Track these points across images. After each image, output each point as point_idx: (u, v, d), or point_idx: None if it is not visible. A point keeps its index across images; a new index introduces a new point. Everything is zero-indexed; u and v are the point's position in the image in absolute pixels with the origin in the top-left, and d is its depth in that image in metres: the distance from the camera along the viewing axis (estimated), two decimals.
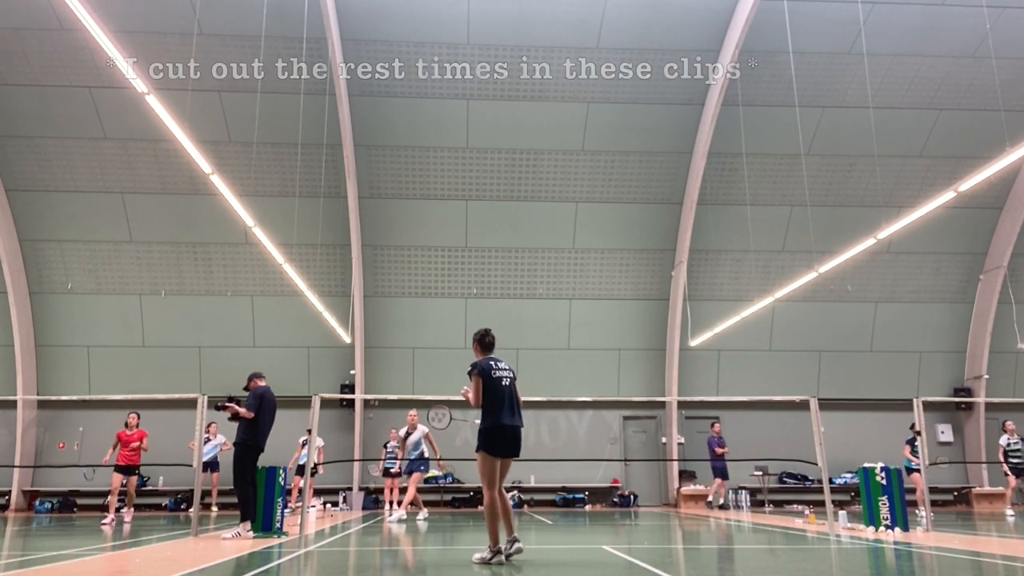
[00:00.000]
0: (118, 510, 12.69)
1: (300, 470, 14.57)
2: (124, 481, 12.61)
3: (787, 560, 6.33)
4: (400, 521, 12.09)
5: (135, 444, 12.56)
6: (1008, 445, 14.16)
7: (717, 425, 16.27)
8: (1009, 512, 13.75)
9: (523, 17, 15.13)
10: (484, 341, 6.34)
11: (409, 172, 16.89)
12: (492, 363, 6.15)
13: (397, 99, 16.10)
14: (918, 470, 13.64)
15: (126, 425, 12.74)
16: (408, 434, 13.22)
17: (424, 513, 13.33)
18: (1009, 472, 14.10)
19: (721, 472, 15.60)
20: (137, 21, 14.55)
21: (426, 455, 13.27)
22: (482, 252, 17.58)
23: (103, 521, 11.74)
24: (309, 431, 10.38)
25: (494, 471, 5.92)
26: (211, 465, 15.55)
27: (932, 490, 15.85)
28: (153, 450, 13.45)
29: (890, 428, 17.31)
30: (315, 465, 14.15)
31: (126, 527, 11.06)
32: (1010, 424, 14.75)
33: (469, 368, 6.16)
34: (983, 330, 18.26)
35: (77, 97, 15.61)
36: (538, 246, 17.58)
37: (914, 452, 13.16)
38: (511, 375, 6.19)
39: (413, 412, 13.37)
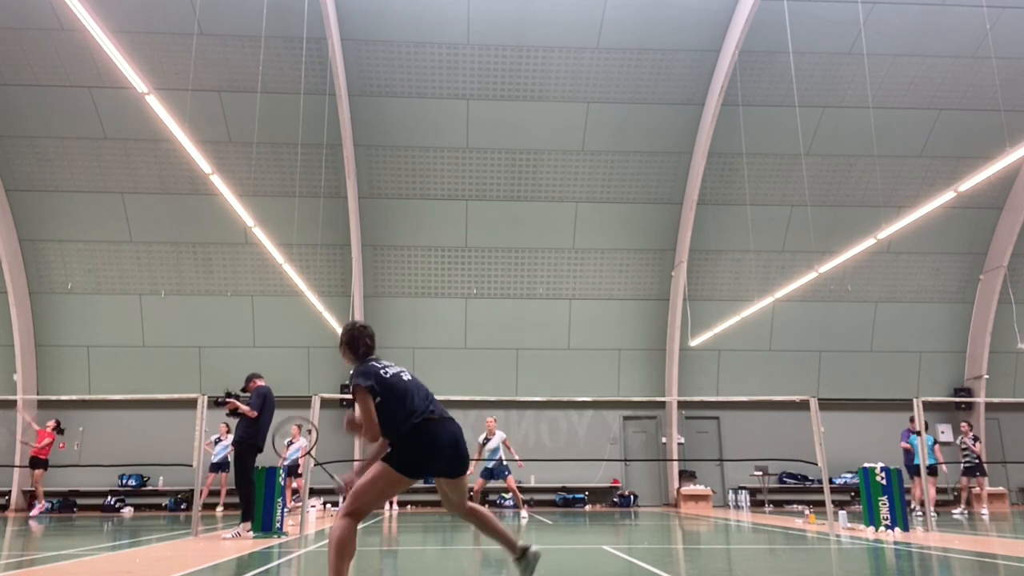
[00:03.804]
0: (117, 509, 13.17)
1: (289, 471, 14.59)
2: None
3: (787, 560, 6.33)
4: (523, 519, 12.79)
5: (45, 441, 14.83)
6: (961, 444, 14.56)
7: (965, 425, 15.02)
8: (983, 511, 13.79)
9: (523, 17, 15.12)
10: (354, 344, 4.34)
11: (409, 172, 16.88)
12: (375, 363, 4.22)
13: (397, 99, 16.09)
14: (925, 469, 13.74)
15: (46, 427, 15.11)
16: (487, 439, 13.34)
17: (525, 512, 13.75)
18: (963, 474, 14.47)
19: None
20: (137, 21, 14.55)
21: (503, 459, 13.39)
22: (482, 252, 17.57)
23: (31, 514, 13.48)
24: (310, 431, 10.39)
25: (386, 487, 3.99)
26: (221, 466, 15.56)
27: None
28: (153, 450, 13.94)
29: (890, 428, 17.30)
30: (299, 466, 14.25)
31: (34, 525, 11.48)
32: (964, 425, 14.85)
33: (349, 382, 4.36)
34: (983, 330, 18.25)
35: (77, 97, 15.60)
36: (538, 246, 17.58)
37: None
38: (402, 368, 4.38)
39: (492, 419, 13.59)
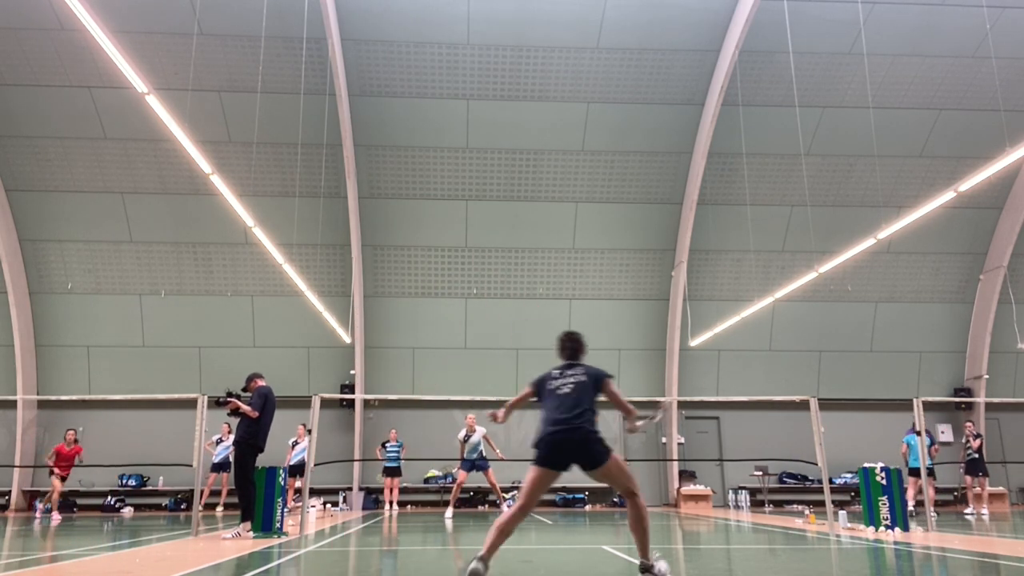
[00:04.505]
0: (117, 509, 13.07)
1: (293, 471, 14.61)
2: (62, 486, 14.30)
3: (787, 560, 6.33)
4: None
5: (73, 458, 14.35)
6: (964, 442, 14.57)
7: (969, 424, 15.03)
8: (983, 511, 13.76)
9: (523, 17, 15.12)
10: (560, 348, 5.39)
11: (409, 172, 16.88)
12: (555, 370, 5.21)
13: (397, 99, 16.09)
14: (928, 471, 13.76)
15: (65, 440, 14.48)
16: (468, 436, 13.66)
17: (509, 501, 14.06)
18: (965, 473, 14.42)
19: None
20: (137, 21, 14.55)
21: (485, 455, 13.73)
22: (482, 252, 17.57)
23: (53, 521, 13.15)
24: (310, 430, 10.39)
25: (529, 481, 4.84)
26: (223, 466, 15.58)
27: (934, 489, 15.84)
28: (153, 450, 14.01)
29: (890, 428, 17.30)
30: (303, 465, 14.27)
31: (53, 526, 11.55)
32: (968, 424, 14.90)
33: None
34: (983, 330, 18.25)
35: (77, 97, 15.60)
36: (538, 246, 17.58)
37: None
38: (581, 379, 5.08)
39: (471, 415, 13.97)
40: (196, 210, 16.74)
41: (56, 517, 13.76)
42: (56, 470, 14.07)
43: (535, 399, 5.19)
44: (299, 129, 15.70)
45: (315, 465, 10.79)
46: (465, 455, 13.63)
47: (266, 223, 14.00)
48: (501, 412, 5.49)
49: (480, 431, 13.73)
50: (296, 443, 15.34)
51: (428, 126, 16.40)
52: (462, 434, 13.75)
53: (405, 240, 17.38)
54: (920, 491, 12.20)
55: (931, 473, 13.72)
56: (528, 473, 4.81)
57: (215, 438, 15.64)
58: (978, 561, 6.17)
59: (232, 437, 15.51)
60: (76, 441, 14.60)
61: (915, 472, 12.99)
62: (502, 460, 14.14)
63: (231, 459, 15.51)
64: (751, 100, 16.00)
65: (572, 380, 5.06)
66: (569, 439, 4.78)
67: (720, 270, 17.96)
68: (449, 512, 13.44)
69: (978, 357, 18.37)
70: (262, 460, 8.88)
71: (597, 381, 5.10)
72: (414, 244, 17.42)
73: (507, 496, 13.86)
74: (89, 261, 17.06)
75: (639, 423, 5.37)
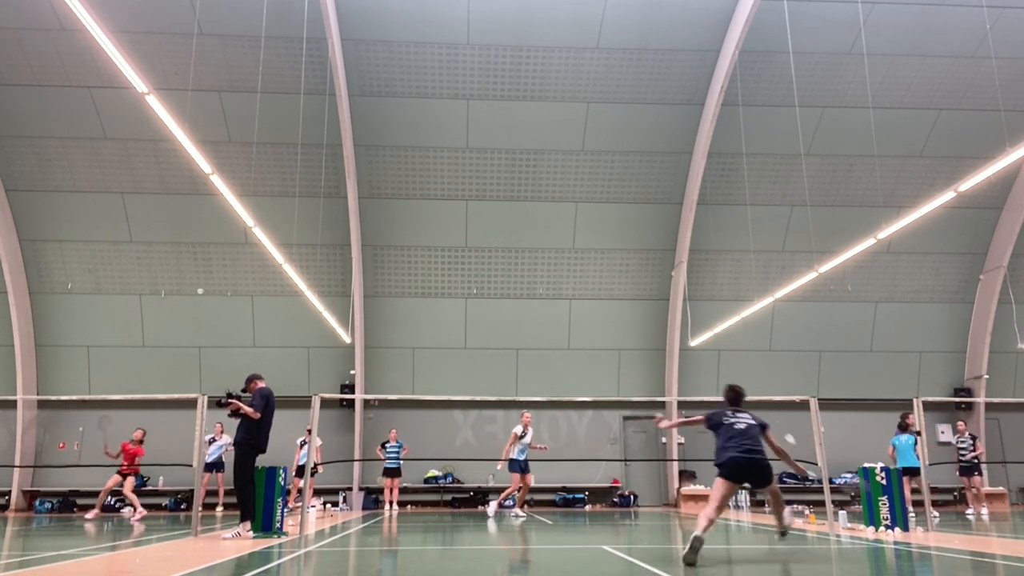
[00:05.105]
0: (117, 509, 12.88)
1: (299, 471, 14.60)
2: (120, 483, 13.41)
3: (787, 560, 6.33)
4: (517, 517, 13.12)
5: (134, 457, 13.53)
6: (957, 443, 14.54)
7: (961, 424, 15.12)
8: (983, 511, 13.74)
9: (523, 17, 15.12)
10: (726, 396, 7.09)
11: (409, 172, 16.89)
12: (727, 412, 6.87)
13: (397, 99, 16.10)
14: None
15: (132, 439, 13.75)
16: (524, 434, 13.57)
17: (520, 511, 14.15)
18: (960, 473, 14.43)
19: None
20: (137, 21, 14.55)
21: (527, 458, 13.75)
22: (482, 252, 17.57)
23: (87, 516, 13.00)
24: (309, 430, 10.39)
25: (719, 492, 6.47)
26: (215, 466, 15.58)
27: (932, 490, 15.85)
28: (153, 450, 13.94)
29: (891, 428, 17.27)
30: (315, 465, 14.28)
31: (137, 527, 11.10)
32: (961, 424, 14.88)
33: None
34: (983, 330, 18.25)
35: (77, 97, 15.61)
36: (538, 246, 17.58)
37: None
38: (751, 422, 6.73)
39: (528, 413, 13.98)
40: (196, 210, 16.74)
41: (135, 516, 13.16)
42: (122, 464, 13.33)
43: (708, 429, 6.92)
44: (299, 129, 15.70)
45: (316, 466, 10.77)
46: (515, 455, 13.45)
47: (266, 223, 14.00)
48: (667, 422, 7.84)
49: (531, 432, 13.64)
50: (304, 443, 15.34)
51: (428, 126, 16.41)
52: (519, 429, 13.52)
53: (405, 240, 17.39)
54: (914, 491, 12.21)
55: (919, 472, 13.70)
56: (718, 485, 6.48)
57: (208, 438, 15.63)
58: (978, 561, 6.17)
59: (225, 436, 15.55)
60: (141, 442, 13.78)
61: (905, 472, 12.99)
62: (544, 451, 14.32)
63: (223, 459, 15.59)
64: (751, 100, 16.00)
65: (744, 421, 6.72)
66: (754, 465, 6.50)
67: (720, 270, 17.97)
68: (519, 510, 13.64)
69: (978, 357, 18.37)
70: (265, 460, 8.87)
71: (764, 428, 6.79)
72: (414, 244, 17.43)
73: (519, 512, 13.88)
74: (89, 261, 17.06)
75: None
